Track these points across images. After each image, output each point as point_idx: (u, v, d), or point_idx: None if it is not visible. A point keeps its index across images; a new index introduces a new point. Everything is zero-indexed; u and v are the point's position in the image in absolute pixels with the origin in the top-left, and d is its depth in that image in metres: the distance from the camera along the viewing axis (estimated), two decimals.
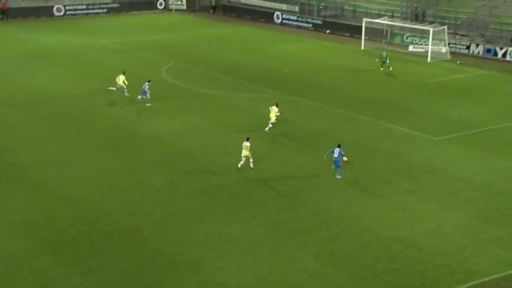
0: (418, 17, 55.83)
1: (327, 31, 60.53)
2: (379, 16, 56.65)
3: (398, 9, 58.44)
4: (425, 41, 51.14)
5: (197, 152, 29.89)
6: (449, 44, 50.57)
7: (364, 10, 59.61)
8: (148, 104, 36.47)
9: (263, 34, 60.28)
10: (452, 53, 50.15)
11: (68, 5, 69.37)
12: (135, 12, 71.99)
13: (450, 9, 55.11)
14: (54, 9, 68.41)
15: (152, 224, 22.98)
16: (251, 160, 27.57)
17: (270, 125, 32.23)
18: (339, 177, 26.82)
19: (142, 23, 65.82)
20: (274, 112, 32.02)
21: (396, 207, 24.26)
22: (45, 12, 67.98)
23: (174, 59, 48.73)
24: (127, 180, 26.71)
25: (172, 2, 73.02)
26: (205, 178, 26.92)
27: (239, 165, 27.44)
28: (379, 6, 59.57)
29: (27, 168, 27.94)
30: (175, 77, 43.50)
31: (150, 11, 72.56)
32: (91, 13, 70.10)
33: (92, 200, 24.83)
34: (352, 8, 61.58)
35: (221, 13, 71.70)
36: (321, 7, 63.62)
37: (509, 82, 43.18)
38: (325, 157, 27.32)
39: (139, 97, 36.93)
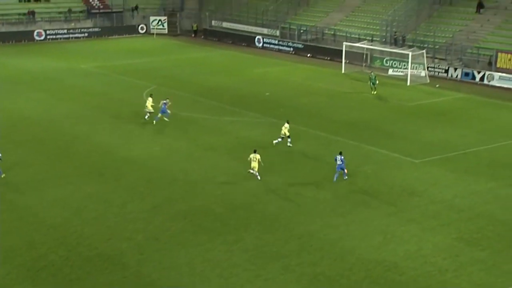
0: (397, 42, 56.56)
1: (308, 55, 61.06)
2: (359, 40, 57.30)
3: (378, 33, 59.18)
4: (404, 65, 51.77)
5: (178, 176, 29.77)
6: (428, 68, 51.23)
7: (344, 34, 60.28)
8: (166, 119, 37.45)
9: (245, 58, 60.62)
10: (431, 76, 50.77)
11: (49, 30, 69.36)
12: (117, 36, 72.13)
13: (428, 33, 55.93)
14: (35, 33, 68.34)
15: (132, 248, 22.75)
16: (257, 173, 28.98)
17: (279, 140, 33.76)
18: (346, 177, 29.01)
19: (124, 47, 65.92)
20: (285, 128, 33.60)
21: (378, 230, 24.28)
22: (26, 36, 67.87)
23: (156, 83, 48.74)
24: (107, 204, 26.48)
25: (154, 26, 73.31)
26: (186, 202, 26.78)
27: (251, 172, 28.89)
28: (359, 31, 60.29)
29: (6, 193, 27.59)
30: (156, 101, 43.36)
31: (132, 35, 72.75)
32: (72, 37, 70.13)
33: (72, 225, 24.55)
34: (332, 32, 62.25)
35: (202, 37, 72.10)
36: (301, 31, 64.23)
37: (487, 105, 43.75)
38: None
39: (158, 115, 37.37)
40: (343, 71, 53.10)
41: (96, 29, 71.84)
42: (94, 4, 74.30)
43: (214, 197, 27.35)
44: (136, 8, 74.73)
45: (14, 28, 68.18)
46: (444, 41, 54.84)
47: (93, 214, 25.59)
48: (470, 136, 36.07)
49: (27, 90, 46.53)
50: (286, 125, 33.74)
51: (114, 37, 71.87)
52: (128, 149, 33.62)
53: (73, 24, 71.47)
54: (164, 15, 74.90)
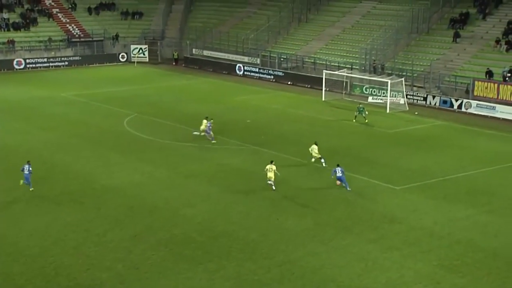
0: (377, 70, 57.27)
1: (288, 83, 61.52)
2: (338, 68, 57.94)
3: (357, 61, 59.90)
4: (383, 93, 52.37)
5: (159, 204, 29.62)
6: (406, 95, 51.85)
7: (324, 62, 60.93)
8: (213, 141, 39.35)
9: (225, 86, 60.91)
10: (410, 104, 51.38)
11: (29, 58, 69.20)
12: (97, 64, 72.14)
13: (406, 62, 56.72)
14: (14, 62, 68.09)
15: (112, 278, 22.48)
16: (274, 183, 30.98)
17: (314, 159, 35.44)
18: (349, 189, 30.84)
19: (104, 76, 65.91)
20: (314, 150, 35.02)
21: (359, 257, 24.30)
22: (5, 65, 67.60)
23: (136, 111, 48.71)
24: (87, 233, 26.21)
25: (134, 54, 73.47)
26: (167, 230, 26.61)
27: (269, 183, 30.83)
28: (338, 59, 60.99)
29: None
30: (137, 129, 43.40)
31: (112, 64, 72.80)
32: (52, 66, 69.96)
33: (51, 255, 24.23)
34: (312, 61, 62.88)
35: (183, 65, 72.38)
36: (282, 59, 64.80)
37: (465, 132, 44.31)
38: (331, 177, 31.22)
39: (207, 136, 39.52)
40: (323, 99, 53.54)
41: (77, 58, 71.79)
42: (75, 33, 74.40)
43: (195, 225, 27.22)
44: (117, 36, 74.92)
45: None
46: (422, 69, 55.65)
47: (72, 243, 25.30)
48: (448, 163, 36.42)
49: (6, 119, 46.20)
50: (315, 146, 35.19)
51: (94, 65, 71.86)
52: (109, 177, 33.42)
53: (53, 53, 71.36)
54: (145, 44, 75.16)
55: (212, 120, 40.26)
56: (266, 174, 31.03)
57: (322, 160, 35.29)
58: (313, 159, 35.56)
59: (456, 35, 57.41)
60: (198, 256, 24.32)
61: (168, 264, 23.60)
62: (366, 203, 29.93)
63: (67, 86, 58.68)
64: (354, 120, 45.85)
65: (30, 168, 30.97)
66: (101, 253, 24.43)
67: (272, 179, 30.91)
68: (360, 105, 46.72)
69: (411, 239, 25.92)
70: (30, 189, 30.89)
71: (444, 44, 58.07)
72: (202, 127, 40.20)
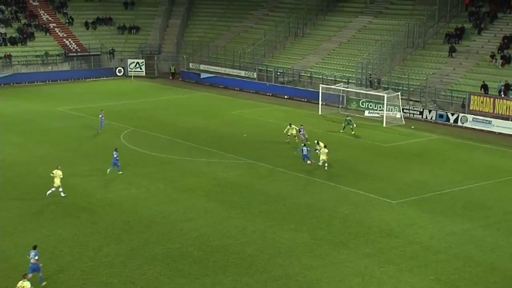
0: (373, 84, 57.44)
1: (285, 97, 61.65)
2: (335, 82, 58.10)
3: (353, 75, 60.10)
4: (380, 107, 52.50)
5: (155, 218, 29.53)
6: (403, 109, 51.99)
7: (320, 76, 61.12)
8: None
9: (222, 100, 61.00)
10: (406, 118, 51.50)
11: (26, 73, 69.26)
12: (94, 78, 72.21)
13: (402, 76, 56.93)
14: (12, 76, 68.11)
15: None
16: (326, 164, 36.22)
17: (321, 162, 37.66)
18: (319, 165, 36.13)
19: (101, 90, 65.95)
20: (322, 152, 37.42)
21: (356, 271, 24.23)
22: (2, 80, 67.64)
23: (133, 125, 48.71)
24: (83, 248, 26.10)
25: (131, 68, 73.60)
26: (163, 245, 26.52)
27: (320, 164, 36.07)
28: (335, 73, 61.18)
29: None
30: (133, 143, 43.38)
31: (109, 78, 72.89)
32: (49, 80, 70.00)
33: (46, 270, 24.02)
34: (309, 75, 63.07)
35: (180, 79, 72.50)
36: (278, 73, 64.98)
37: (462, 146, 44.37)
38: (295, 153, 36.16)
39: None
40: (319, 113, 53.63)
41: (74, 72, 71.85)
42: (72, 48, 74.54)
43: (192, 239, 27.13)
44: (114, 51, 75.09)
45: None
46: (418, 83, 55.83)
47: (68, 258, 25.18)
48: (445, 177, 36.44)
49: (2, 133, 46.06)
50: (324, 149, 37.42)
51: (91, 79, 71.95)
52: (105, 191, 33.34)
53: (50, 67, 71.47)
54: (142, 58, 75.33)
55: (302, 126, 43.55)
56: (319, 156, 37.05)
57: (326, 164, 37.20)
58: (320, 162, 37.35)
59: (452, 50, 57.70)
60: (194, 270, 24.22)
61: (164, 279, 23.49)
62: (363, 217, 29.89)
63: (64, 101, 58.69)
64: (341, 131, 46.52)
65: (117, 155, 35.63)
66: (97, 268, 24.31)
67: (325, 159, 36.93)
68: (348, 117, 47.39)
69: (408, 253, 25.87)
70: (119, 173, 35.71)
71: (440, 59, 58.33)
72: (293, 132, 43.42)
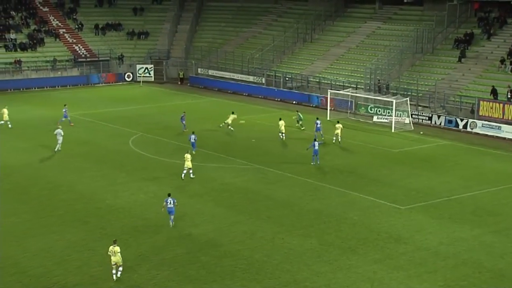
0: (381, 89, 57.33)
1: (294, 102, 61.63)
2: (343, 87, 58.03)
3: (362, 81, 60.00)
4: (388, 112, 52.37)
5: (164, 223, 29.53)
6: (411, 115, 51.84)
7: (328, 82, 61.07)
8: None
9: (230, 105, 60.97)
10: (415, 123, 51.35)
11: (36, 78, 69.60)
12: (103, 84, 72.46)
13: (411, 81, 56.78)
14: (21, 82, 68.46)
15: None
16: (340, 138, 43.02)
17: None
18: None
19: (109, 95, 66.18)
20: (338, 129, 43.93)
21: (364, 277, 24.14)
22: (12, 85, 68.01)
23: (142, 130, 48.83)
24: (92, 253, 26.15)
25: (140, 74, 73.82)
26: (171, 250, 26.53)
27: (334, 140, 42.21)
28: (343, 78, 61.12)
29: None
30: (142, 148, 43.48)
31: (118, 83, 73.13)
32: (58, 85, 70.31)
33: (54, 275, 24.15)
34: (317, 80, 63.04)
35: (188, 84, 72.64)
36: (287, 78, 64.98)
37: (471, 152, 44.17)
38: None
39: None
40: (328, 118, 53.57)
41: (83, 77, 72.18)
42: (81, 53, 74.88)
43: (200, 244, 27.13)
44: (122, 57, 75.36)
45: (0, 77, 68.29)
46: (427, 89, 55.66)
47: (76, 263, 25.24)
48: (454, 183, 36.28)
49: (11, 139, 46.33)
50: (338, 125, 42.64)
51: (99, 85, 72.22)
52: (113, 196, 33.40)
53: (59, 72, 71.80)
54: (151, 63, 75.55)
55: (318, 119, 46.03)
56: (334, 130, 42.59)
57: (339, 139, 43.40)
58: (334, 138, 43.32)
59: (461, 55, 57.52)
60: (202, 276, 24.21)
61: (172, 284, 23.49)
62: (371, 223, 29.80)
63: (73, 106, 58.83)
64: (303, 128, 48.60)
65: (195, 138, 41.08)
66: (105, 273, 24.34)
67: (339, 135, 43.52)
68: (297, 112, 49.11)
69: (417, 259, 25.76)
70: (193, 152, 39.57)
71: (449, 64, 58.15)
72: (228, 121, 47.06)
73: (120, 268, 24.02)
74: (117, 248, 23.96)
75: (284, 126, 45.63)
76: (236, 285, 23.47)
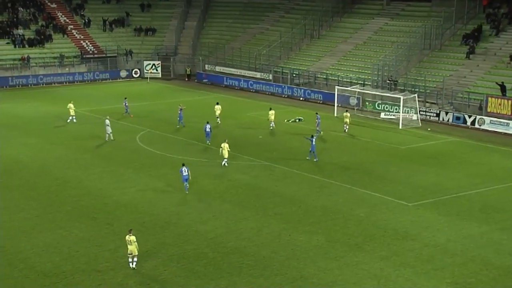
0: (392, 86, 57.14)
1: (301, 98, 61.56)
2: (351, 84, 57.88)
3: (369, 77, 59.85)
4: (396, 109, 52.23)
5: (171, 220, 29.60)
6: (419, 111, 51.68)
7: (336, 78, 60.96)
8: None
9: (237, 101, 61.04)
10: (422, 120, 51.19)
11: (43, 74, 69.81)
12: (110, 80, 72.60)
13: (419, 78, 56.60)
14: (29, 78, 68.70)
15: None
16: (347, 127, 44.98)
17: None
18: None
19: (117, 91, 66.23)
20: (346, 117, 46.00)
21: (371, 274, 24.11)
22: (20, 81, 68.21)
23: (149, 126, 48.90)
24: (99, 249, 26.23)
25: (147, 70, 73.91)
26: (179, 246, 26.58)
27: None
28: (350, 75, 60.99)
29: None
30: (149, 144, 43.56)
31: (125, 80, 73.23)
32: (66, 82, 70.50)
33: (62, 271, 24.25)
34: (324, 77, 62.92)
35: (196, 80, 72.67)
36: (294, 75, 64.89)
37: (479, 149, 44.00)
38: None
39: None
40: (335, 115, 53.47)
41: (90, 74, 72.34)
42: (88, 49, 75.02)
43: (207, 241, 27.17)
44: (130, 53, 75.48)
45: (8, 73, 68.54)
46: (434, 85, 55.48)
47: (84, 259, 25.33)
48: (462, 180, 36.16)
49: (19, 135, 46.52)
50: (347, 113, 44.95)
51: (107, 81, 72.35)
52: (121, 193, 33.49)
53: (67, 69, 71.98)
54: (158, 60, 75.64)
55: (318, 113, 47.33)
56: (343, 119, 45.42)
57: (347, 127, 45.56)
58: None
59: (469, 51, 57.26)
60: (209, 272, 24.25)
61: (179, 280, 23.54)
62: (378, 220, 29.75)
63: (80, 102, 58.99)
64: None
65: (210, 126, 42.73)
66: (112, 269, 24.42)
67: (348, 124, 46.09)
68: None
69: (424, 256, 25.70)
70: (208, 142, 42.38)
71: (457, 61, 57.92)
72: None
73: (135, 259, 24.30)
74: (133, 238, 24.35)
75: (274, 115, 47.46)
76: (243, 281, 23.50)
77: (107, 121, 43.96)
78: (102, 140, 44.71)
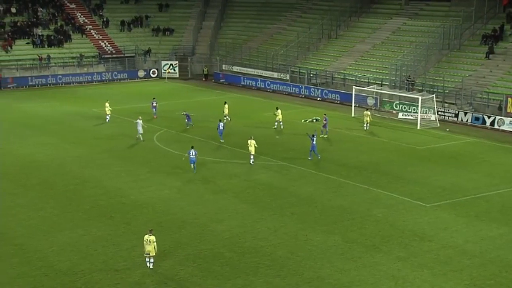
0: (407, 86, 56.81)
1: (318, 98, 61.41)
2: (368, 84, 57.61)
3: (387, 77, 59.55)
4: (414, 109, 51.90)
5: (187, 219, 29.68)
6: (437, 112, 51.31)
7: (353, 78, 60.73)
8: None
9: (254, 101, 61.04)
10: (441, 120, 50.81)
11: (62, 74, 70.39)
12: (128, 80, 72.99)
13: (437, 78, 56.18)
14: (48, 78, 69.29)
15: None
16: (368, 125, 45.98)
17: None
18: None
19: (135, 91, 66.63)
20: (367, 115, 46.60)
21: (389, 275, 23.98)
22: (39, 81, 68.83)
23: (166, 126, 49.07)
24: (117, 248, 26.38)
25: (165, 70, 74.19)
26: (195, 246, 26.64)
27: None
28: (368, 75, 60.72)
29: (14, 237, 27.60)
30: (166, 144, 43.71)
31: (143, 80, 73.58)
32: (84, 81, 71.01)
33: (80, 269, 24.42)
34: (342, 76, 62.72)
35: (213, 80, 72.80)
36: (311, 75, 64.75)
37: (498, 149, 43.58)
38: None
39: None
40: (352, 115, 53.26)
41: (108, 74, 72.79)
42: (107, 49, 75.49)
43: (223, 240, 27.20)
44: (149, 52, 75.81)
45: (28, 73, 69.20)
46: (453, 85, 55.05)
47: (102, 257, 25.48)
48: (481, 181, 35.83)
49: (38, 134, 46.94)
50: (367, 112, 45.79)
51: (125, 81, 72.74)
52: (138, 192, 33.65)
53: (85, 69, 72.50)
54: (176, 60, 75.90)
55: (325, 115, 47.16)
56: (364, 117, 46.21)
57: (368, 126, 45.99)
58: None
59: (489, 51, 56.73)
60: (226, 272, 24.28)
61: (196, 280, 23.59)
62: (396, 221, 29.58)
63: (98, 102, 59.36)
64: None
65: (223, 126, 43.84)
66: (129, 268, 24.54)
67: (368, 123, 46.94)
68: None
69: (442, 258, 25.50)
70: (221, 140, 43.50)
71: (476, 61, 57.42)
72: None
73: (152, 260, 24.31)
74: (153, 238, 24.31)
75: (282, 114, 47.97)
76: (260, 281, 23.49)
77: (140, 121, 44.22)
78: (120, 140, 44.94)
